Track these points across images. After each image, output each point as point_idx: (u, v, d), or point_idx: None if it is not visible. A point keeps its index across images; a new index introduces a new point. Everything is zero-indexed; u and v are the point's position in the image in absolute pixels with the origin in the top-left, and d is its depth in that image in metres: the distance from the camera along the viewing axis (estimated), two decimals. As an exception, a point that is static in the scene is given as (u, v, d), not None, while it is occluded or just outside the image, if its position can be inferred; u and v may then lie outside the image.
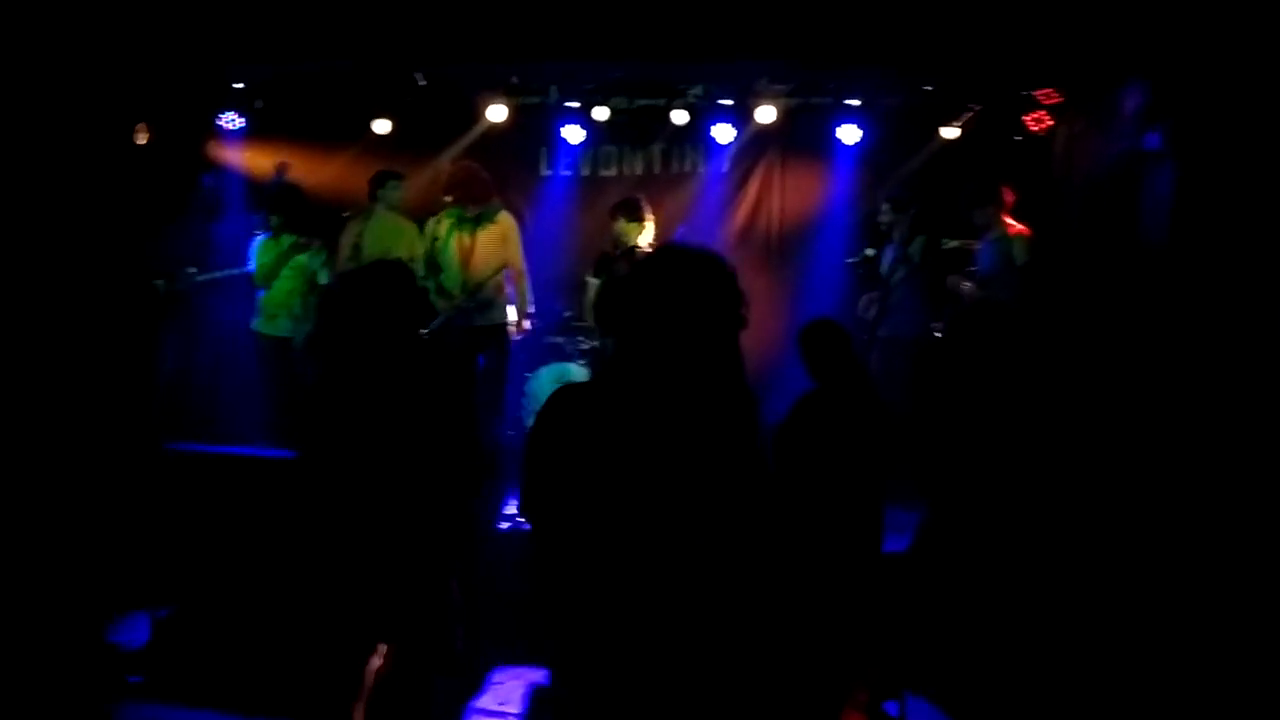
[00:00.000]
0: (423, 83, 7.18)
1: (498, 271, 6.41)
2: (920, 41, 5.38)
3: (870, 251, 6.79)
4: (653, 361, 2.21)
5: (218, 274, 6.51)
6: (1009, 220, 6.11)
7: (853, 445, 3.74)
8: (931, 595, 4.13)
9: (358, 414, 3.36)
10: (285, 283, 6.36)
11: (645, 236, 6.57)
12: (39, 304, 5.21)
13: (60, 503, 4.48)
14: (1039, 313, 5.46)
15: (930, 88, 6.91)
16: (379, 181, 6.60)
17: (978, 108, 7.03)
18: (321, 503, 3.42)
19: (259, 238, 6.54)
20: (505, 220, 6.53)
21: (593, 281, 6.58)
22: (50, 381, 4.92)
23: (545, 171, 8.19)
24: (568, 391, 2.30)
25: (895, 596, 4.25)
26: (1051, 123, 6.32)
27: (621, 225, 6.54)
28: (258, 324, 6.48)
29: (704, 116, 7.67)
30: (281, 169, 6.99)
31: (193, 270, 6.39)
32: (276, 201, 6.50)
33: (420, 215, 6.62)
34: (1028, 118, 6.51)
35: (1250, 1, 4.08)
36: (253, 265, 6.45)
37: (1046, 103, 6.23)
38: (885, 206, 6.98)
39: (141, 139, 6.98)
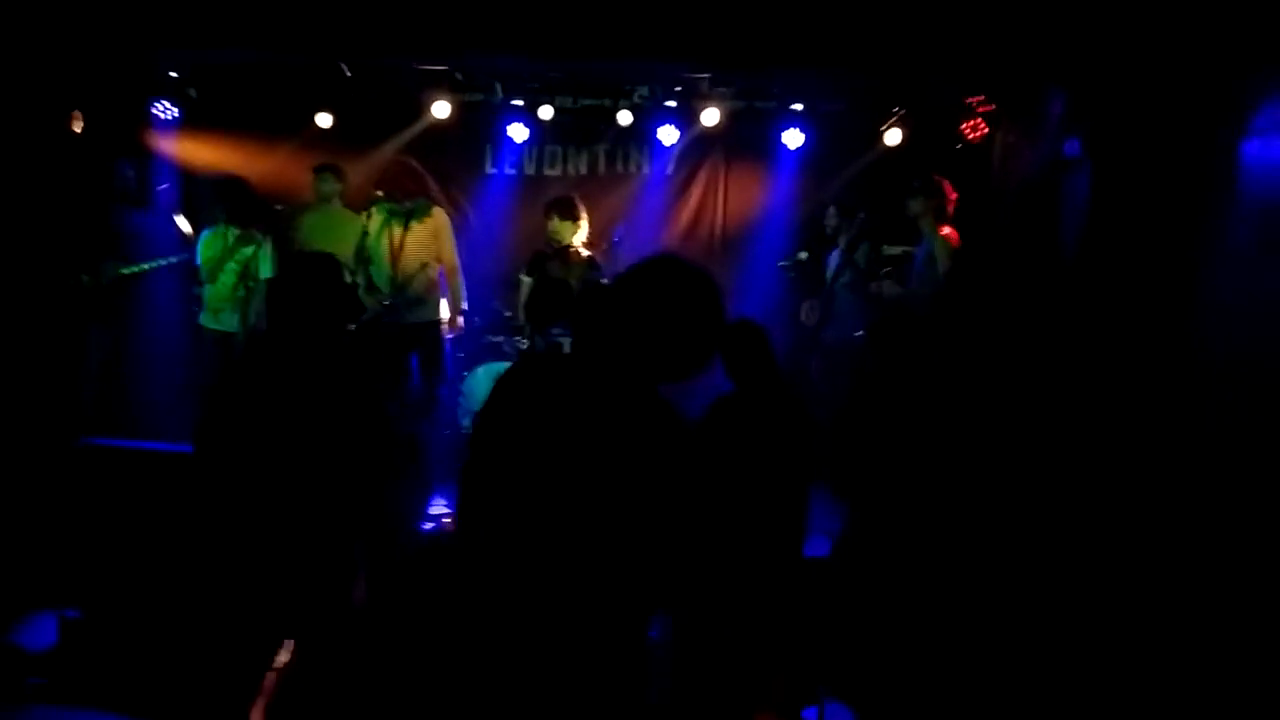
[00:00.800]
0: (349, 74, 7.05)
1: (427, 267, 6.33)
2: (854, 45, 5.37)
3: (804, 255, 6.82)
4: (608, 361, 2.23)
5: (145, 265, 6.37)
6: (940, 224, 6.13)
7: (767, 448, 3.72)
8: (852, 600, 4.13)
9: (256, 407, 3.29)
10: (229, 277, 6.23)
11: (580, 235, 6.57)
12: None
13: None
14: (954, 317, 5.47)
15: (866, 93, 6.94)
16: (316, 174, 6.53)
17: (902, 110, 7.07)
18: (216, 498, 3.35)
19: (204, 231, 6.42)
20: (438, 215, 6.48)
21: (525, 280, 6.56)
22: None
23: (489, 169, 8.15)
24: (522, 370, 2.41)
25: (816, 600, 4.25)
26: (987, 130, 6.36)
27: (555, 224, 6.56)
28: (203, 318, 6.38)
29: (649, 118, 7.66)
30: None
31: (114, 262, 6.24)
32: (221, 193, 6.37)
33: (359, 209, 6.54)
34: (965, 125, 6.55)
35: (1164, 10, 4.12)
36: (198, 259, 6.34)
37: (981, 110, 6.27)
38: (831, 210, 7.01)
39: (76, 126, 6.83)
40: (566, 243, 6.52)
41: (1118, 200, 4.40)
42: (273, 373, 3.31)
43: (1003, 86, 5.72)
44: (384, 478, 3.50)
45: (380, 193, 6.22)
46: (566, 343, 5.99)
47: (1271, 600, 3.58)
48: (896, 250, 6.68)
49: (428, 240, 6.34)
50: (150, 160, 7.05)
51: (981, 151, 6.71)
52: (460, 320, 6.63)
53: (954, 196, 6.19)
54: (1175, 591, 3.99)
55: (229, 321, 6.26)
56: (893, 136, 7.35)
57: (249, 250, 6.21)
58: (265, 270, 6.18)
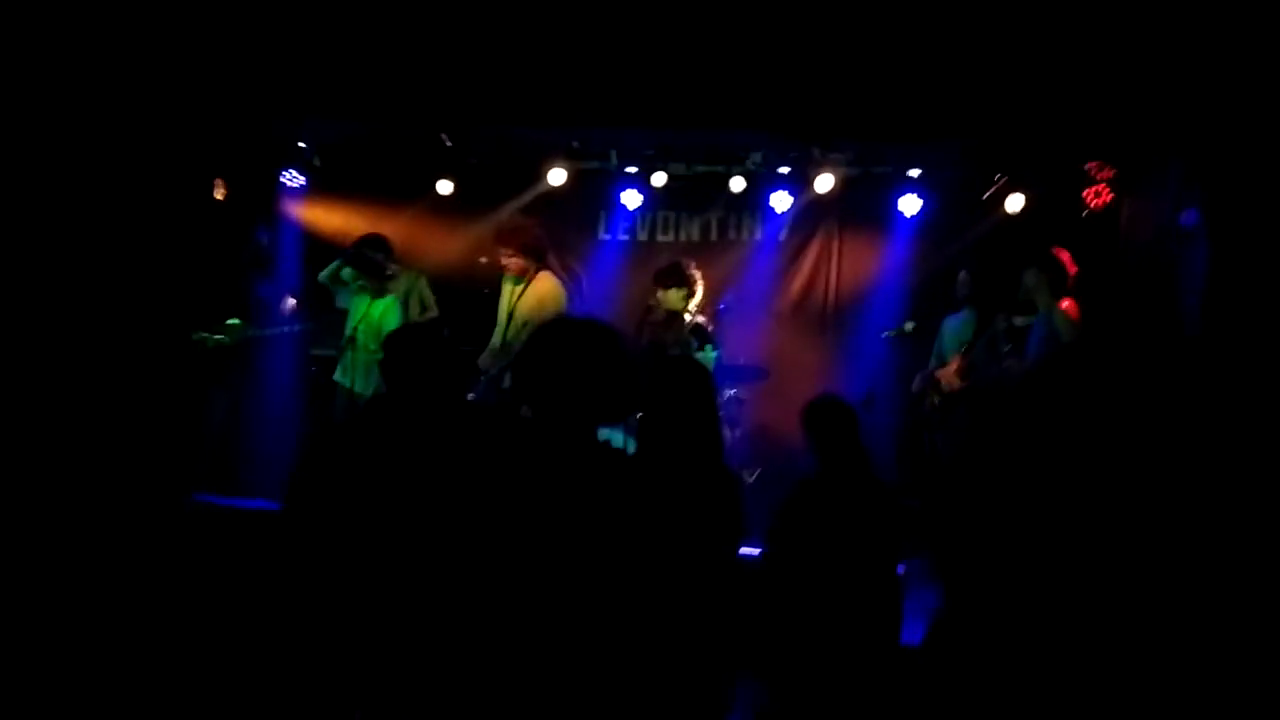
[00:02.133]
0: (449, 144, 7.23)
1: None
2: (970, 115, 5.26)
3: (910, 325, 6.62)
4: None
5: (273, 330, 6.62)
6: (1058, 298, 5.87)
7: (849, 530, 3.58)
8: (941, 691, 3.92)
9: (358, 471, 3.35)
10: (365, 338, 6.30)
11: (693, 301, 6.56)
12: (88, 349, 5.39)
13: (79, 548, 4.55)
14: (1065, 392, 5.19)
15: (985, 158, 6.76)
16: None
17: (1005, 177, 6.85)
18: (300, 559, 3.40)
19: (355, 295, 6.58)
20: (545, 281, 6.51)
21: None
22: (87, 427, 5.06)
23: (603, 235, 8.22)
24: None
25: (910, 691, 4.05)
26: (1110, 198, 6.10)
27: (665, 293, 6.59)
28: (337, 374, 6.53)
29: (762, 184, 7.63)
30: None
31: (239, 323, 6.50)
32: (373, 248, 6.48)
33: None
34: (1087, 192, 6.29)
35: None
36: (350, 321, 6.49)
37: (1101, 177, 6.02)
38: (963, 275, 6.80)
39: (219, 194, 7.23)
40: (677, 309, 6.52)
41: (1237, 270, 4.15)
42: (382, 438, 3.37)
43: (1121, 152, 5.49)
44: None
45: (484, 260, 6.32)
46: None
47: None
48: (1021, 321, 6.41)
49: (534, 304, 6.40)
50: (280, 227, 7.38)
51: (1107, 220, 6.46)
52: None
53: (1074, 269, 5.93)
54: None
55: (360, 382, 6.31)
56: (1014, 203, 7.10)
57: (381, 312, 6.34)
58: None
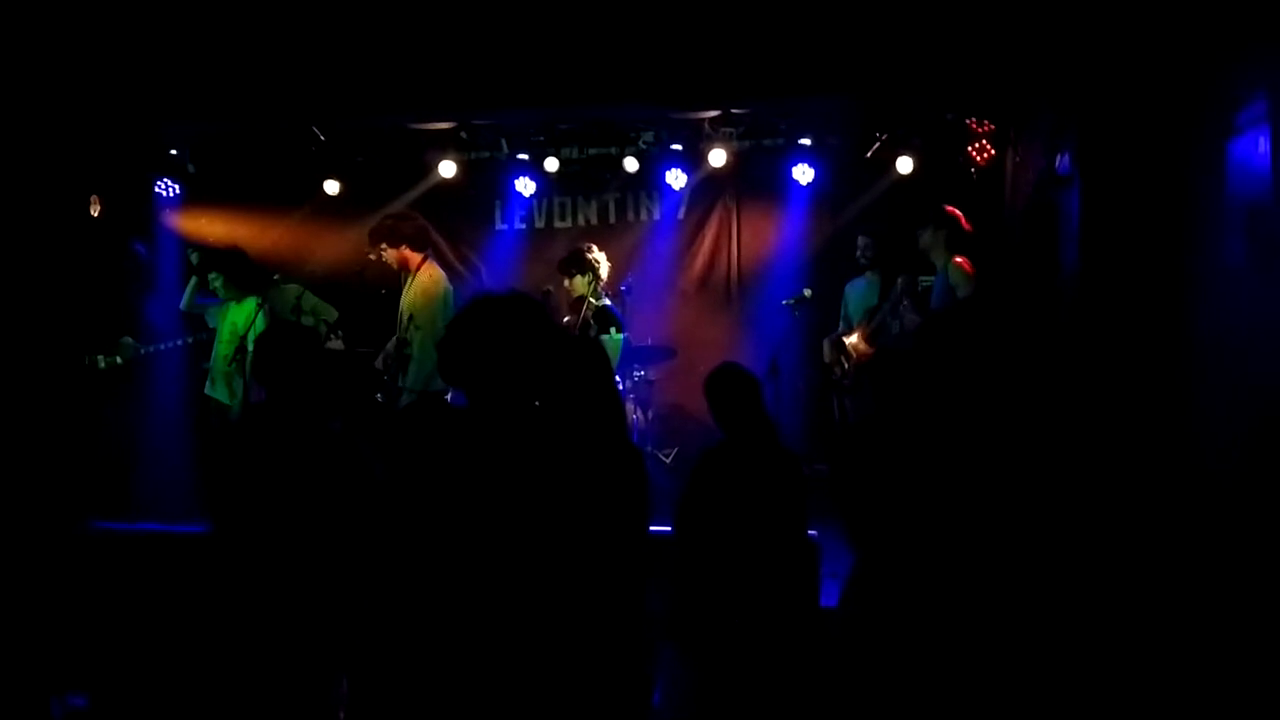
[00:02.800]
0: (323, 138, 7.07)
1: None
2: (845, 70, 5.27)
3: (808, 292, 6.66)
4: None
5: (161, 345, 6.40)
6: (953, 254, 5.94)
7: (757, 496, 3.55)
8: (861, 653, 3.93)
9: (257, 483, 3.25)
10: (224, 347, 6.23)
11: (598, 285, 6.51)
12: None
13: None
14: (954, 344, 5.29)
15: (872, 123, 6.81)
16: None
17: (884, 136, 6.93)
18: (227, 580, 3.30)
19: (215, 303, 6.46)
20: (426, 273, 6.25)
21: None
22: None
23: (499, 225, 8.12)
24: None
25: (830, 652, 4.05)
26: (993, 153, 6.19)
27: (570, 281, 6.59)
28: (207, 388, 6.42)
29: (655, 163, 7.57)
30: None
31: (131, 341, 6.27)
32: (218, 263, 6.38)
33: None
34: (970, 148, 6.37)
35: (1143, 16, 3.97)
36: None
37: (980, 131, 6.10)
38: (863, 241, 6.83)
39: (95, 210, 6.91)
40: (583, 295, 6.50)
41: (1108, 214, 4.26)
42: (269, 447, 3.26)
43: (999, 105, 5.57)
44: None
45: (374, 258, 6.16)
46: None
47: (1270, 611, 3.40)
48: (927, 281, 6.48)
49: (417, 297, 6.11)
50: (157, 239, 7.11)
51: (994, 174, 6.55)
52: None
53: (967, 225, 6.01)
54: (1178, 615, 3.81)
55: (223, 392, 6.27)
56: (904, 165, 7.15)
57: (241, 319, 6.20)
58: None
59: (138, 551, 4.89)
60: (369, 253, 6.21)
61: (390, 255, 6.12)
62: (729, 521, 3.53)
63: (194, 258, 6.65)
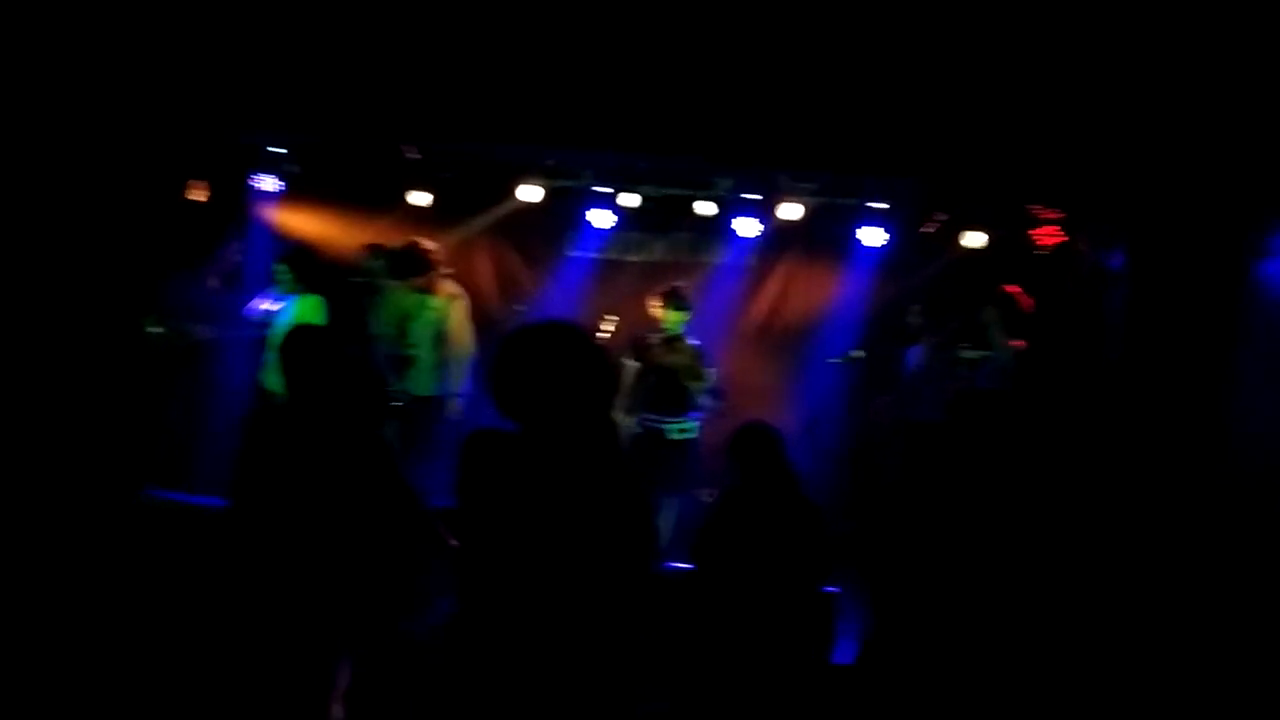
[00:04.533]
0: (415, 157, 7.40)
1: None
2: (924, 156, 5.45)
3: (858, 353, 6.77)
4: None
5: (220, 332, 6.71)
6: (1009, 334, 6.04)
7: (772, 542, 3.70)
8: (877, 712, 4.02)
9: (281, 471, 3.47)
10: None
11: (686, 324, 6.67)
12: (51, 345, 5.47)
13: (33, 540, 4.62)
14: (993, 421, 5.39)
15: (946, 197, 6.95)
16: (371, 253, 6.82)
17: (945, 216, 7.02)
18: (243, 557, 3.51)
19: (279, 298, 6.72)
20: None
21: (631, 365, 6.58)
22: (43, 421, 5.14)
23: (572, 252, 8.35)
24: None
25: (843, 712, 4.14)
26: (1061, 239, 6.29)
27: (667, 313, 6.62)
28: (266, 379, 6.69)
29: (729, 209, 7.78)
30: None
31: (198, 325, 6.60)
32: (290, 258, 6.69)
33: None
34: (1036, 231, 6.47)
35: (1198, 141, 4.10)
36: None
37: (1046, 218, 6.21)
38: (915, 309, 6.97)
39: (200, 195, 7.33)
40: (674, 332, 6.59)
41: (1152, 313, 4.37)
42: (293, 441, 3.48)
43: (1064, 198, 5.69)
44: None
45: (451, 272, 6.45)
46: (670, 428, 6.30)
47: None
48: (976, 355, 6.59)
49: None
50: (251, 230, 7.48)
51: (1058, 260, 6.63)
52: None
53: (1028, 304, 6.10)
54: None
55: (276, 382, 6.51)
56: (972, 239, 7.27)
57: (305, 315, 6.45)
58: None
59: (188, 522, 5.15)
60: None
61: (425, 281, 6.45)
62: (740, 561, 3.68)
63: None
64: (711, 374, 6.48)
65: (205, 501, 5.24)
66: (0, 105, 5.49)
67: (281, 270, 6.62)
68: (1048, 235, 6.39)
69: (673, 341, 6.58)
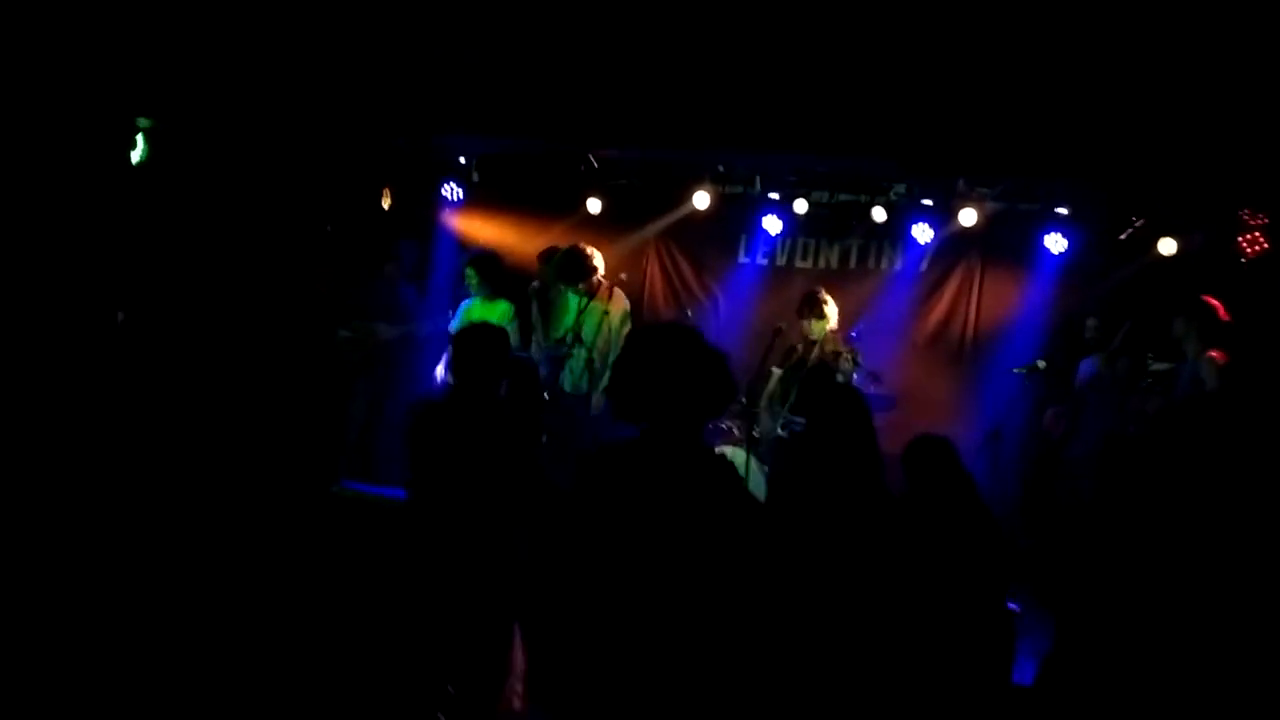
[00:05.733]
0: (595, 165, 7.54)
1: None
2: (1115, 158, 5.23)
3: (1041, 363, 6.53)
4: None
5: (403, 330, 7.01)
6: (1206, 347, 5.71)
7: (949, 556, 3.62)
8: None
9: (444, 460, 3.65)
10: None
11: (830, 327, 6.64)
12: (254, 344, 5.87)
13: (238, 528, 4.94)
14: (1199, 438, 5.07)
15: (1131, 202, 6.63)
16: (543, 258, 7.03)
17: (1140, 222, 6.71)
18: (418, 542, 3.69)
19: (464, 301, 7.00)
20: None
21: (777, 372, 6.68)
22: (246, 416, 5.51)
23: (742, 258, 8.35)
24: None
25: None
26: (1266, 245, 5.89)
27: (809, 323, 6.68)
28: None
29: (904, 215, 7.64)
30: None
31: (382, 325, 6.92)
32: (476, 265, 6.92)
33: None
34: (1242, 239, 6.09)
35: None
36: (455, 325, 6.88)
37: (1254, 223, 5.83)
38: (1091, 321, 6.70)
39: (386, 202, 7.74)
40: (818, 338, 6.62)
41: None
42: (453, 430, 3.65)
43: (1269, 202, 5.34)
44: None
45: (624, 277, 6.58)
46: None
47: None
48: (1162, 366, 6.27)
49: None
50: (435, 235, 7.83)
51: (1267, 267, 6.23)
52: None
53: (1226, 317, 5.76)
54: None
55: None
56: (1166, 246, 6.88)
57: (494, 318, 6.68)
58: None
59: (373, 512, 5.43)
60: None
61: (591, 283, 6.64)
62: (913, 573, 3.61)
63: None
64: (860, 357, 6.42)
65: (391, 492, 5.50)
66: (195, 110, 5.90)
67: (470, 274, 6.86)
68: (1252, 242, 6.00)
69: (815, 347, 6.59)
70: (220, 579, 4.74)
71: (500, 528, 3.58)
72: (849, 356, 6.43)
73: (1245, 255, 6.14)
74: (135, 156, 6.45)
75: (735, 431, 7.16)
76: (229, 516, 5.17)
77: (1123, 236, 7.02)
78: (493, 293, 6.86)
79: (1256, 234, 5.95)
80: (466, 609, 3.58)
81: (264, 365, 5.83)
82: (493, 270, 6.87)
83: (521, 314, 6.84)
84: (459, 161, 7.75)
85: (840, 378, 6.22)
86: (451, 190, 7.87)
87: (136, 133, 6.45)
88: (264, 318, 5.96)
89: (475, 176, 7.89)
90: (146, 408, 5.94)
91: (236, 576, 4.79)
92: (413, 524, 3.71)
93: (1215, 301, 5.80)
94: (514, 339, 6.74)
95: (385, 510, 5.25)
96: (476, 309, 6.83)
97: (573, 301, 6.72)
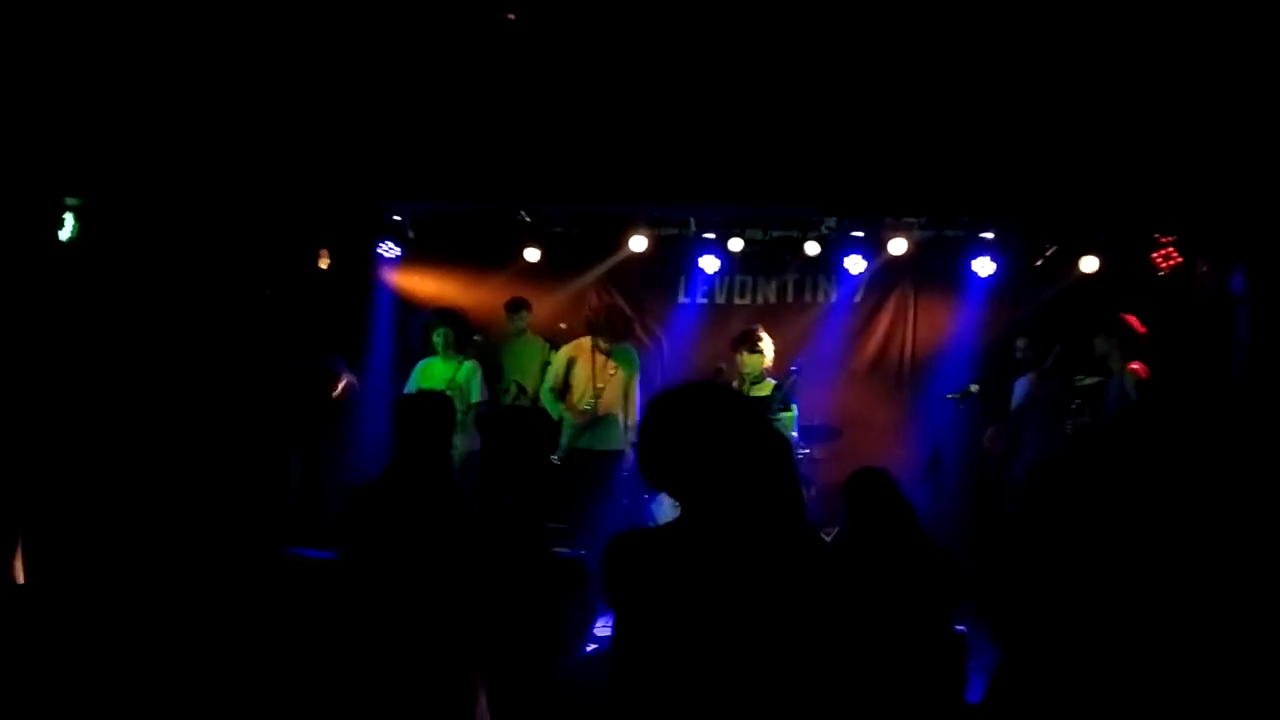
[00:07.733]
0: (528, 220, 7.70)
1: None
2: (1033, 192, 5.43)
3: (974, 388, 6.70)
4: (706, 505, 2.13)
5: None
6: (1128, 360, 5.91)
7: (895, 586, 3.70)
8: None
9: (388, 528, 3.64)
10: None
11: (766, 363, 6.75)
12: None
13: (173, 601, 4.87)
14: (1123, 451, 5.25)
15: (1053, 226, 6.85)
16: (511, 310, 7.06)
17: (1054, 249, 6.97)
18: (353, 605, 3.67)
19: (421, 361, 6.93)
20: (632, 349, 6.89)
21: None
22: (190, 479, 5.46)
23: (682, 299, 8.48)
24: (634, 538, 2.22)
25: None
26: (1179, 260, 6.12)
27: (743, 357, 6.78)
28: None
29: (836, 248, 7.81)
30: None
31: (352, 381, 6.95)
32: (444, 321, 6.88)
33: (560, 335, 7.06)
34: (1156, 255, 6.32)
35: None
36: (412, 386, 6.75)
37: (1164, 241, 6.06)
38: (1022, 342, 6.89)
39: (323, 263, 7.74)
40: (755, 375, 6.73)
41: (1275, 334, 4.21)
42: (403, 500, 3.65)
43: (1181, 222, 5.56)
44: (523, 602, 3.72)
45: (564, 326, 6.64)
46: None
47: None
48: (1089, 381, 6.46)
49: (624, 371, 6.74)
50: (374, 294, 7.84)
51: (1181, 281, 6.47)
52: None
53: (1143, 331, 5.99)
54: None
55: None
56: (1088, 264, 7.14)
57: (461, 377, 6.71)
58: (475, 395, 6.68)
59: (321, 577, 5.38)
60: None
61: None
62: (860, 605, 3.68)
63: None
64: (792, 413, 6.54)
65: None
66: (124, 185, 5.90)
67: (444, 333, 6.81)
68: (1166, 258, 6.24)
69: (754, 385, 6.69)
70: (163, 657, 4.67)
71: (453, 594, 3.57)
72: (780, 394, 6.55)
73: (1161, 269, 6.36)
74: (64, 234, 6.40)
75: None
76: (170, 591, 5.10)
77: (1039, 263, 7.24)
78: (457, 351, 6.87)
79: (1170, 249, 6.17)
80: (424, 664, 3.57)
81: (203, 434, 5.78)
82: (463, 328, 6.88)
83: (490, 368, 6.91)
84: (395, 220, 7.78)
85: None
86: (389, 249, 7.90)
87: (64, 211, 6.40)
88: (201, 386, 5.92)
89: (411, 234, 7.93)
90: (79, 485, 5.86)
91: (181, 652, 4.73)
92: (353, 589, 3.68)
93: (1131, 317, 6.02)
94: (482, 394, 6.77)
95: (330, 574, 5.21)
96: (438, 368, 6.80)
97: (535, 351, 6.80)
